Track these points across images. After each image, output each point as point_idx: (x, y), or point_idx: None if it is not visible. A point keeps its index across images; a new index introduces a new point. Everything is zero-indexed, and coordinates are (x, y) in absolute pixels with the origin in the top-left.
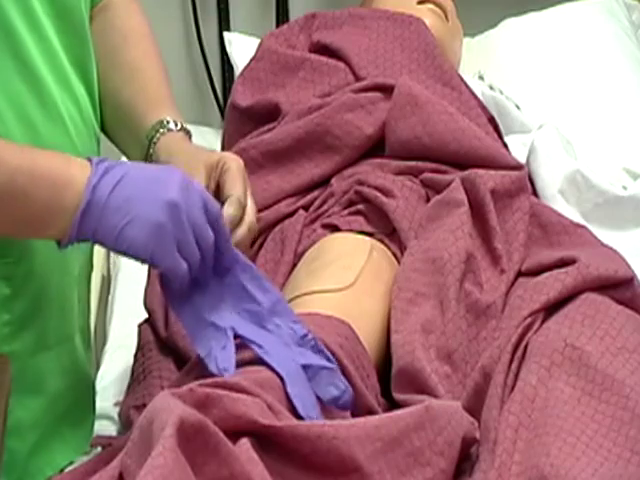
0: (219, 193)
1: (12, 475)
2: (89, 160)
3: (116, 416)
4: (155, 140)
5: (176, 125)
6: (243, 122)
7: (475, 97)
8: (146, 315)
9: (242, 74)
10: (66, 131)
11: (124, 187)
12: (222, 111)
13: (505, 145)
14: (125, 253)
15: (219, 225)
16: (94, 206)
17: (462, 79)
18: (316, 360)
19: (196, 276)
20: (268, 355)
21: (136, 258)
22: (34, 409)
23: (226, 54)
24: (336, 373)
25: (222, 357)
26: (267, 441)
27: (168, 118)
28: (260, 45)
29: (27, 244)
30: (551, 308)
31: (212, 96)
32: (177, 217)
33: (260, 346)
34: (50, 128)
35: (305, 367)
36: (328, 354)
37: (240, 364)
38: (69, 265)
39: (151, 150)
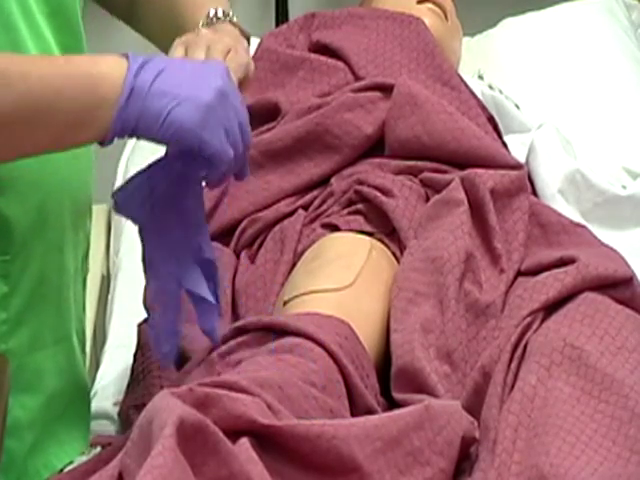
0: None
1: (10, 475)
2: (123, 55)
3: (115, 416)
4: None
5: (224, 15)
6: None
7: (474, 96)
8: (146, 315)
9: None
10: None
11: (168, 74)
12: None
13: (504, 144)
14: (169, 140)
15: (247, 128)
16: (138, 91)
17: (461, 78)
18: (203, 290)
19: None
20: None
21: (182, 144)
22: (31, 408)
23: None
24: (214, 308)
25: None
26: (266, 441)
27: (212, 9)
28: (259, 45)
29: (24, 241)
30: (551, 307)
31: None
32: (226, 103)
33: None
34: None
35: (189, 292)
36: (217, 288)
37: None
38: (66, 263)
39: None
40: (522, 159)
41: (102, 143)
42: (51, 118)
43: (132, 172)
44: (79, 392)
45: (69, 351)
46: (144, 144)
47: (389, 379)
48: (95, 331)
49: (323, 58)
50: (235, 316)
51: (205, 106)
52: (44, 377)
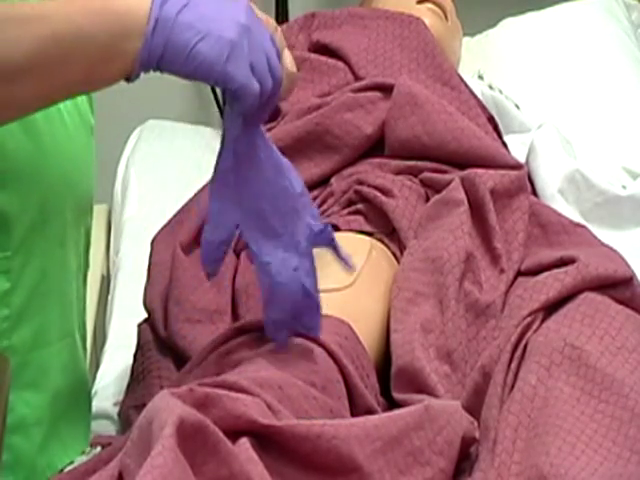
0: None
1: (19, 475)
2: None
3: (115, 416)
4: None
5: None
6: None
7: (474, 96)
8: (146, 315)
9: None
10: (64, 124)
11: (193, 7)
12: (222, 111)
13: (504, 144)
14: (194, 72)
15: (275, 64)
16: (163, 23)
17: (461, 78)
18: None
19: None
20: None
21: (207, 77)
22: (38, 406)
23: None
24: (317, 308)
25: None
26: (267, 441)
27: None
28: None
29: (25, 237)
30: (551, 307)
31: (212, 96)
32: (250, 39)
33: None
34: (48, 121)
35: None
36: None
37: None
38: (68, 259)
39: None
40: (522, 159)
41: (128, 79)
42: (78, 56)
43: (132, 172)
44: (82, 389)
45: (72, 347)
46: (144, 144)
47: (389, 379)
48: (95, 331)
49: (323, 58)
50: (235, 316)
51: (229, 41)
52: (49, 374)
